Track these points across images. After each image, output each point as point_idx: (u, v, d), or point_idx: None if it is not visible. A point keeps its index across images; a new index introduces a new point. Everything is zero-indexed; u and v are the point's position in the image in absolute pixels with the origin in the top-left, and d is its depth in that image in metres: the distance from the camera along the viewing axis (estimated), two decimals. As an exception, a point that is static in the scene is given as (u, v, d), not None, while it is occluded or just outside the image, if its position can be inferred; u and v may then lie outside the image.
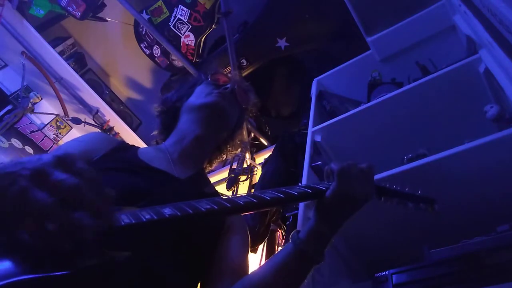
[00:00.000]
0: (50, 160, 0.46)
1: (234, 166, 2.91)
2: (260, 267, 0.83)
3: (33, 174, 0.44)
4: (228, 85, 1.06)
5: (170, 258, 0.77)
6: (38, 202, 0.42)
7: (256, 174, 2.95)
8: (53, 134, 3.35)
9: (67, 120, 3.30)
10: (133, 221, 0.52)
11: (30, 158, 0.47)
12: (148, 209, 0.56)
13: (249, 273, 0.87)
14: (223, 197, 0.66)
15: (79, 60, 3.50)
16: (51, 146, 3.32)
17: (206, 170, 1.14)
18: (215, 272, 0.87)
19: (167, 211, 0.55)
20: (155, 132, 1.13)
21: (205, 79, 1.11)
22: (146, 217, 0.53)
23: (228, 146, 1.15)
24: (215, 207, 0.59)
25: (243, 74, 2.83)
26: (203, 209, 0.58)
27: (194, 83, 1.13)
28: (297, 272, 0.77)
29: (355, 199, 0.74)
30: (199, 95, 1.05)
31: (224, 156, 1.17)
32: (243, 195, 0.66)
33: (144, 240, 0.69)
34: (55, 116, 3.31)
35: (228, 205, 0.61)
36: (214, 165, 1.17)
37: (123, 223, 0.52)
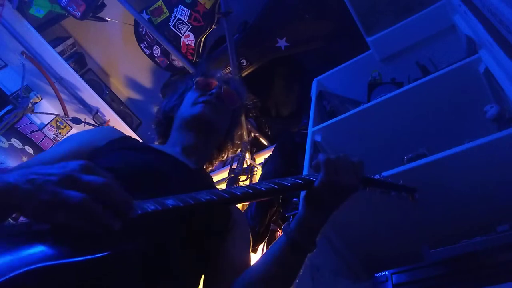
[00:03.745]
0: (75, 167, 0.53)
1: (234, 166, 2.91)
2: (257, 261, 0.85)
3: (61, 180, 0.50)
4: (213, 91, 1.06)
5: (174, 251, 0.78)
6: (72, 198, 0.49)
7: (256, 174, 2.95)
8: (53, 134, 3.35)
9: (67, 120, 3.30)
10: (139, 212, 0.55)
11: (53, 166, 0.54)
12: (152, 200, 0.59)
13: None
14: (221, 189, 0.70)
15: (79, 60, 3.50)
16: (51, 146, 3.32)
17: (209, 168, 1.18)
18: (220, 268, 0.89)
19: (170, 202, 0.59)
20: (155, 142, 1.16)
21: (192, 84, 1.11)
22: (151, 208, 0.57)
23: (228, 145, 1.17)
24: (215, 197, 0.63)
25: (243, 74, 2.83)
26: (203, 199, 0.62)
27: (183, 90, 1.13)
28: (291, 262, 0.80)
29: (341, 189, 0.76)
30: (186, 106, 1.07)
31: (225, 155, 1.19)
32: (240, 186, 0.70)
33: (151, 230, 0.70)
34: (55, 116, 3.31)
35: (227, 195, 0.66)
36: (215, 164, 1.19)
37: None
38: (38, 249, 0.49)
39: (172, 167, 0.91)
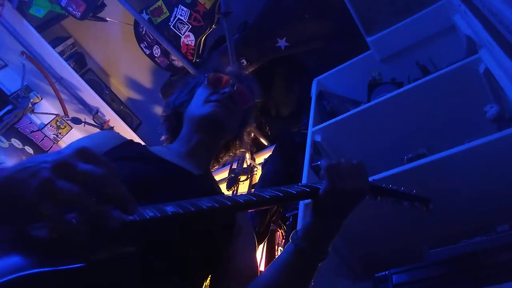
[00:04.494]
0: (70, 153, 0.46)
1: (234, 166, 2.91)
2: (265, 270, 0.83)
3: (54, 166, 0.44)
4: (226, 90, 1.01)
5: (175, 257, 0.77)
6: (66, 191, 0.42)
7: (256, 174, 2.96)
8: (53, 134, 3.35)
9: (67, 120, 3.31)
10: (137, 218, 0.53)
11: (48, 153, 0.48)
12: (151, 206, 0.57)
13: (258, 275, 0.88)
14: (223, 196, 0.67)
15: (79, 60, 3.50)
16: (51, 146, 3.32)
17: (215, 167, 1.15)
18: (226, 274, 0.87)
19: (169, 208, 0.56)
20: (163, 137, 1.13)
21: (203, 80, 1.07)
22: (149, 214, 0.54)
23: (236, 144, 1.14)
24: (216, 205, 0.61)
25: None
26: (204, 207, 0.59)
27: (194, 85, 1.10)
28: (300, 271, 0.77)
29: (348, 195, 0.73)
30: (197, 103, 1.02)
31: (232, 153, 1.16)
32: (243, 193, 0.67)
33: (149, 237, 0.70)
34: (55, 116, 3.31)
35: (229, 203, 0.63)
36: (223, 161, 1.16)
37: (127, 220, 0.52)
38: (15, 258, 0.43)
39: (173, 176, 0.88)
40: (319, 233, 0.76)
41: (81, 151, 0.47)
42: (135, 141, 1.02)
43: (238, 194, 0.68)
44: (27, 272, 0.43)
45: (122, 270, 0.63)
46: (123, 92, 3.87)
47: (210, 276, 0.89)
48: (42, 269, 0.43)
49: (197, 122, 1.00)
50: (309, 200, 0.78)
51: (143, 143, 1.06)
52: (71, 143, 0.97)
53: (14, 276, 0.42)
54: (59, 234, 0.43)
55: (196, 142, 1.00)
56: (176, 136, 1.07)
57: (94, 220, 0.44)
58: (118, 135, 1.02)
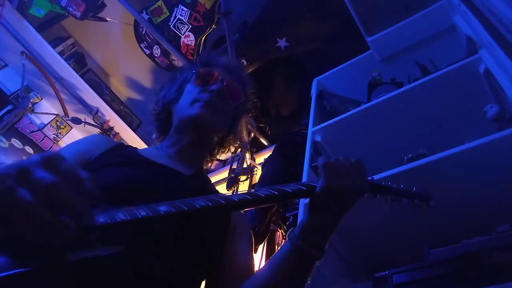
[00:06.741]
0: (35, 159, 0.47)
1: (234, 166, 2.91)
2: (262, 267, 0.83)
3: (17, 173, 0.45)
4: (214, 87, 0.98)
5: (169, 257, 0.77)
6: (20, 200, 0.43)
7: (256, 174, 2.95)
8: (53, 134, 3.35)
9: (67, 120, 3.31)
10: (129, 218, 0.52)
11: (25, 159, 0.48)
12: (144, 206, 0.56)
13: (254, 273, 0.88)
14: (218, 195, 0.66)
15: (79, 60, 3.50)
16: (51, 146, 3.32)
17: (209, 164, 1.14)
18: (222, 272, 0.87)
19: (162, 208, 0.56)
20: (154, 135, 1.12)
21: (192, 76, 1.04)
22: (142, 213, 0.54)
23: (230, 139, 1.12)
24: (210, 204, 0.60)
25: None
26: (197, 206, 0.59)
27: (182, 81, 1.07)
28: (296, 269, 0.76)
29: (345, 193, 0.73)
30: (185, 102, 1.00)
31: (227, 148, 1.14)
32: (238, 192, 0.67)
33: (143, 237, 0.69)
34: (55, 116, 3.31)
35: (223, 202, 0.62)
36: (217, 157, 1.15)
37: (119, 220, 0.52)
38: None
39: (164, 178, 0.88)
40: (316, 231, 0.75)
41: (46, 158, 0.47)
42: (124, 144, 1.02)
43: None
44: (9, 272, 0.43)
45: (114, 270, 0.63)
46: (123, 92, 3.87)
47: (206, 276, 0.89)
48: (24, 270, 0.43)
49: (184, 123, 0.99)
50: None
51: (135, 146, 1.05)
52: (60, 149, 0.97)
53: None
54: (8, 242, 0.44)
55: (185, 143, 0.99)
56: (167, 133, 1.06)
57: (46, 229, 0.44)
58: (108, 139, 1.01)
